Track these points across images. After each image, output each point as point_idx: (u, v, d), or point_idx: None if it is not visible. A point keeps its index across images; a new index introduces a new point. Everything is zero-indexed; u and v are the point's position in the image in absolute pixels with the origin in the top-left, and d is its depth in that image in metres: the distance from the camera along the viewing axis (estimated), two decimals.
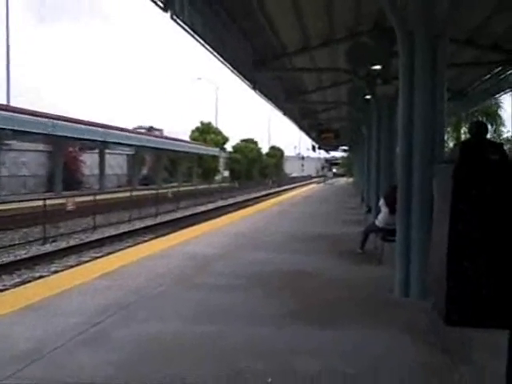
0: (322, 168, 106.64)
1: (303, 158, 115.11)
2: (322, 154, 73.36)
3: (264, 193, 50.18)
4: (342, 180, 73.78)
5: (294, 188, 57.45)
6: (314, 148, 47.56)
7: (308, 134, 38.69)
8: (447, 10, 6.01)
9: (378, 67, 11.47)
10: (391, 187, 8.81)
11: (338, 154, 73.73)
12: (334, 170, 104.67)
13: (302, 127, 33.93)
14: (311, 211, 19.45)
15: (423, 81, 5.87)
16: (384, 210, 8.22)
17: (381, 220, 8.27)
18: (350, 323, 5.09)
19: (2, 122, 27.29)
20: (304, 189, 48.69)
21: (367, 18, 10.61)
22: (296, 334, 4.79)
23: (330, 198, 29.44)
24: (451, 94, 5.79)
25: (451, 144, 22.16)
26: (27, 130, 29.73)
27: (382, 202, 8.50)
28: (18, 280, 11.12)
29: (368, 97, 14.26)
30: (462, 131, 28.25)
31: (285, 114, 24.34)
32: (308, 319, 5.21)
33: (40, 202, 17.83)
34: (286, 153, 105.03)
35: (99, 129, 36.94)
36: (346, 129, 28.63)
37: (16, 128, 28.75)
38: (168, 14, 8.52)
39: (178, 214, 26.65)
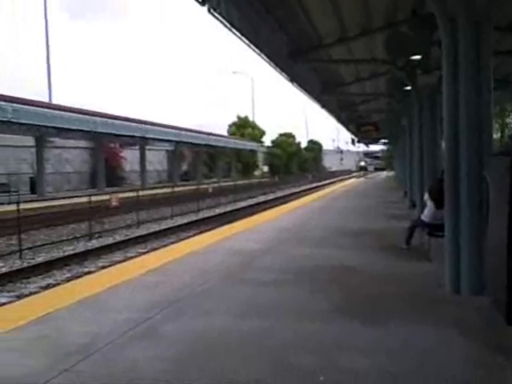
0: (359, 161, 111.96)
1: (342, 151, 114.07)
2: (362, 147, 72.48)
3: (304, 188, 50.02)
4: (383, 174, 72.83)
5: (333, 182, 57.09)
6: (353, 141, 47.03)
7: (347, 127, 38.30)
8: None
9: (417, 57, 11.24)
10: (435, 181, 8.66)
11: (378, 147, 72.68)
12: (362, 163, 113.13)
13: (340, 120, 33.61)
14: (352, 205, 19.29)
15: (467, 69, 5.68)
16: (430, 204, 8.07)
17: (427, 215, 8.11)
18: (397, 319, 5.03)
19: (46, 120, 28.03)
20: (344, 183, 48.34)
21: (405, 6, 10.41)
22: (343, 329, 4.76)
23: (371, 193, 29.12)
24: (495, 83, 5.64)
25: (495, 135, 21.59)
26: (70, 127, 30.45)
27: (426, 196, 8.35)
28: (68, 275, 11.42)
29: (408, 88, 14.01)
30: (508, 121, 27.46)
31: (323, 106, 24.15)
32: (355, 315, 5.17)
33: (85, 199, 18.23)
34: (325, 147, 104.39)
35: (139, 125, 37.49)
36: (385, 121, 28.21)
37: (59, 126, 29.50)
38: (205, 8, 8.57)
39: (219, 210, 26.83)
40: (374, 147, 76.20)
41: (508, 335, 4.36)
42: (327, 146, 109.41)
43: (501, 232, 2.69)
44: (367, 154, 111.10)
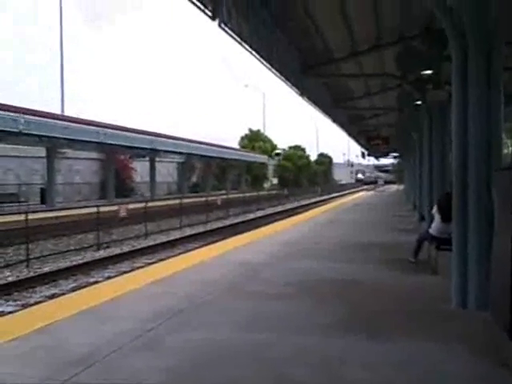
0: (357, 173, 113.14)
1: (352, 165, 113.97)
2: (372, 160, 72.41)
3: (313, 200, 49.93)
4: (393, 187, 72.59)
5: (343, 195, 56.95)
6: (363, 155, 47.02)
7: (357, 140, 38.33)
8: (501, 9, 5.79)
9: (428, 72, 11.23)
10: (444, 194, 8.60)
11: (388, 160, 72.58)
12: (360, 176, 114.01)
13: (350, 133, 33.63)
14: (361, 219, 19.21)
15: (478, 85, 5.67)
16: (438, 217, 8.01)
17: (435, 228, 8.05)
18: (402, 334, 4.96)
19: (57, 131, 28.27)
20: (354, 196, 48.19)
21: (416, 21, 10.43)
22: (347, 344, 4.70)
23: (381, 206, 29.02)
24: (505, 99, 5.56)
25: (506, 150, 21.46)
26: (80, 138, 30.69)
27: (435, 209, 8.28)
28: (74, 285, 11.42)
29: (418, 102, 13.99)
30: None
31: (334, 120, 24.19)
32: (358, 329, 5.11)
33: (93, 209, 18.29)
34: (335, 160, 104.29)
35: (149, 137, 37.67)
36: (395, 135, 28.18)
37: (70, 137, 29.73)
38: (216, 22, 8.61)
39: (228, 222, 26.83)
40: (384, 161, 76.06)
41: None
42: (338, 159, 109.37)
43: (504, 247, 2.63)
44: (377, 167, 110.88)
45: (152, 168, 43.16)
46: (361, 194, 56.26)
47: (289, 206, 41.76)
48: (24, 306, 9.05)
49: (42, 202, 32.62)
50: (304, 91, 15.13)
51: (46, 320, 5.32)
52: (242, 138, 72.23)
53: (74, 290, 10.12)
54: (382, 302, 6.23)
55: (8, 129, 25.23)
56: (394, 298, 6.48)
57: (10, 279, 11.85)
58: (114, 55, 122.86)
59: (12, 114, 24.97)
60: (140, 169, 46.00)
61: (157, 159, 43.84)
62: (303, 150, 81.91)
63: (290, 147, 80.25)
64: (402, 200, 32.55)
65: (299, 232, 14.39)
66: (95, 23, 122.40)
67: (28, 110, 26.42)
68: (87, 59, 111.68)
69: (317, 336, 4.92)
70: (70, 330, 5.05)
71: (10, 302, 9.90)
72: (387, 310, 5.90)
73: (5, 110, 24.71)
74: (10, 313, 8.04)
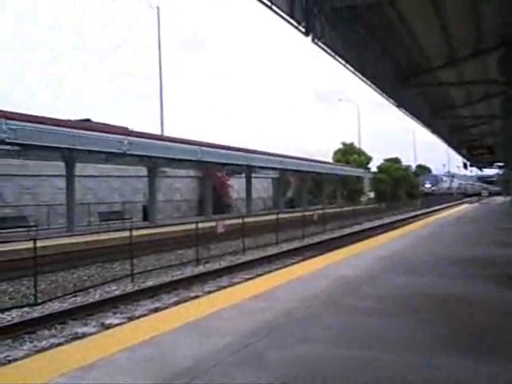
0: (423, 183, 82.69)
1: (453, 176, 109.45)
2: (475, 171, 69.10)
3: (412, 214, 48.42)
4: (499, 199, 68.79)
5: (444, 208, 54.75)
6: (465, 165, 45.01)
7: (458, 150, 36.84)
8: None
9: None
10: None
11: (492, 171, 68.95)
12: (428, 186, 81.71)
13: (450, 144, 32.39)
14: (462, 232, 18.32)
15: None
16: None
17: None
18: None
19: (157, 151, 29.55)
20: (455, 209, 46.17)
21: None
22: (453, 364, 4.45)
23: (484, 219, 27.54)
24: None
25: None
26: (180, 157, 31.88)
27: None
28: (175, 299, 11.78)
29: None
30: None
31: (433, 131, 23.43)
32: (465, 349, 4.82)
33: (192, 225, 18.83)
34: (434, 171, 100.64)
35: (245, 154, 38.34)
36: (500, 144, 26.77)
37: (170, 156, 30.97)
38: (309, 38, 8.64)
39: (325, 236, 26.62)
40: (488, 171, 72.37)
41: None
42: (437, 170, 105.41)
43: None
44: (481, 179, 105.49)
45: (248, 184, 43.84)
46: (463, 206, 53.81)
47: (386, 220, 40.79)
48: (130, 319, 9.45)
49: (145, 219, 34.14)
50: (401, 102, 14.80)
51: (151, 332, 5.50)
52: (335, 153, 71.68)
53: (175, 303, 10.44)
54: (488, 321, 5.85)
55: (114, 150, 26.77)
56: (501, 315, 6.09)
57: (117, 293, 12.43)
58: (202, 74, 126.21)
59: (117, 136, 26.46)
60: (236, 185, 46.91)
61: (252, 175, 44.50)
62: (399, 162, 79.83)
63: (386, 159, 78.49)
64: (508, 212, 30.76)
65: (397, 247, 13.97)
66: (185, 45, 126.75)
67: (130, 131, 27.84)
68: (177, 79, 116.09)
69: (419, 355, 4.70)
70: (173, 343, 5.18)
71: (118, 315, 10.37)
72: (492, 328, 5.54)
73: (110, 133, 26.24)
74: (118, 325, 8.45)
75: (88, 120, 33.09)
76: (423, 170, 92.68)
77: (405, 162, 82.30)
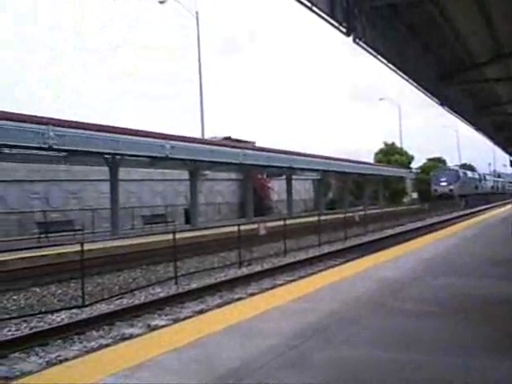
0: (438, 181, 62.45)
1: (499, 175, 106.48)
2: None
3: (456, 214, 47.37)
4: None
5: (489, 208, 53.35)
6: None
7: (504, 148, 35.87)
8: None
9: None
10: None
11: None
12: (444, 184, 61.33)
13: (496, 142, 31.57)
14: (509, 233, 17.81)
15: None
16: None
17: None
18: None
19: (199, 155, 29.88)
20: (502, 209, 44.93)
21: None
22: (489, 366, 4.34)
23: None
24: None
25: None
26: (221, 160, 32.14)
27: None
28: (219, 301, 11.87)
29: None
30: None
31: (477, 129, 22.90)
32: (502, 351, 4.71)
33: (234, 228, 18.94)
34: (479, 170, 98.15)
35: (285, 155, 38.32)
36: None
37: (211, 159, 31.26)
38: (350, 38, 8.59)
39: (366, 238, 26.36)
40: None
41: None
42: (482, 169, 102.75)
43: None
44: None
45: (289, 186, 43.78)
46: (509, 206, 52.31)
47: (429, 221, 40.04)
48: (175, 321, 9.58)
49: (187, 221, 34.52)
50: (444, 100, 14.53)
51: (196, 334, 5.56)
52: (377, 153, 70.88)
53: (219, 306, 10.53)
54: None
55: (157, 154, 27.20)
56: None
57: (162, 295, 12.62)
58: (238, 77, 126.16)
59: (159, 140, 26.87)
60: (277, 187, 46.93)
61: (293, 177, 44.42)
62: (443, 161, 78.32)
63: (429, 159, 77.13)
64: None
65: (440, 248, 13.74)
66: (224, 49, 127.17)
67: (172, 135, 28.23)
68: (212, 82, 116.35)
69: (458, 357, 4.62)
70: (218, 345, 5.23)
71: (163, 317, 10.52)
72: None
73: (153, 137, 26.66)
74: (163, 326, 8.59)
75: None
76: (467, 169, 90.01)
77: (449, 162, 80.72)
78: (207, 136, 38.84)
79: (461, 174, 64.03)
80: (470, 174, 69.11)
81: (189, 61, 58.67)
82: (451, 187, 60.68)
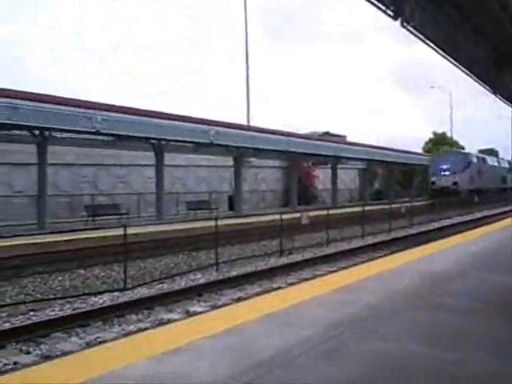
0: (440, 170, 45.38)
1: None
2: None
3: (507, 208, 45.88)
4: None
5: None
6: None
7: None
8: None
9: None
10: None
11: None
12: (446, 173, 44.48)
13: None
14: None
15: None
16: None
17: None
18: None
19: (243, 141, 29.91)
20: None
21: None
22: None
23: None
24: None
25: None
26: (265, 147, 32.06)
27: None
28: (258, 289, 11.84)
29: None
30: None
31: None
32: None
33: (277, 216, 18.86)
34: None
35: (331, 144, 37.96)
36: None
37: (256, 146, 31.24)
38: (398, 22, 8.31)
39: (412, 231, 25.85)
40: None
41: None
42: None
43: None
44: None
45: (334, 175, 43.36)
46: None
47: (478, 214, 38.92)
48: (213, 307, 9.61)
49: (230, 208, 34.68)
50: (497, 88, 13.98)
51: (233, 321, 5.55)
52: (427, 143, 69.38)
53: (258, 294, 10.49)
54: None
55: (201, 140, 27.37)
56: None
57: (202, 281, 12.68)
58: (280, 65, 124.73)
59: (203, 126, 27.01)
60: (322, 176, 46.57)
61: (339, 166, 43.96)
62: (496, 152, 75.93)
63: (481, 150, 74.93)
64: None
65: (489, 242, 13.36)
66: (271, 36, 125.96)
67: (217, 121, 28.33)
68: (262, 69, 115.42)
69: (500, 356, 4.45)
70: (255, 332, 5.20)
71: (201, 303, 10.57)
72: None
73: (197, 123, 26.82)
74: (201, 313, 8.63)
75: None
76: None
77: (502, 154, 78.10)
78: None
79: (473, 160, 45.96)
80: (489, 160, 51.26)
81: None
82: (457, 178, 43.76)
